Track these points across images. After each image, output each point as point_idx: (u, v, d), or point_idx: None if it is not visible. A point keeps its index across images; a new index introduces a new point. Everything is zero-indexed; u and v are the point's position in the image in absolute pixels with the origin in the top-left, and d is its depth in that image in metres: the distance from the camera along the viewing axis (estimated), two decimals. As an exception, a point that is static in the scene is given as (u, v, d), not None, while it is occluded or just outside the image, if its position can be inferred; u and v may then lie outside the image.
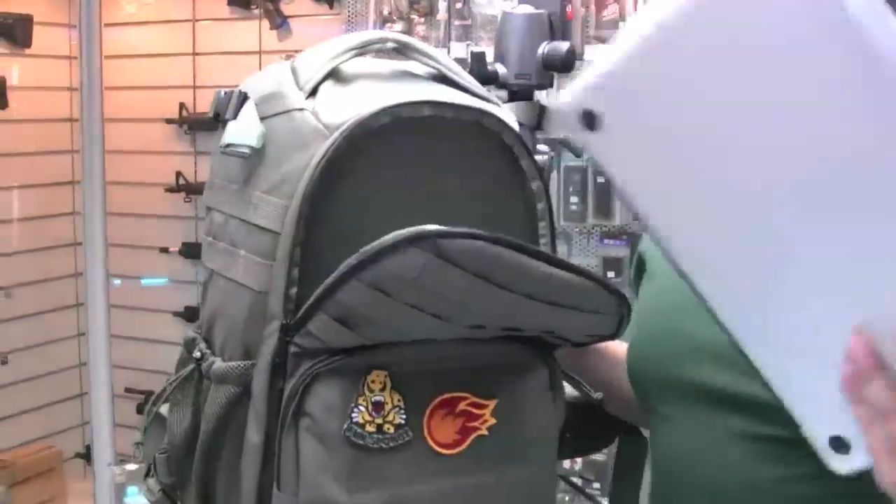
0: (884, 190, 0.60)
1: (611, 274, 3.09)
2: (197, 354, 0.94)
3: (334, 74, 0.91)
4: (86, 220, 2.79)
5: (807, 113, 0.60)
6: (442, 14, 3.30)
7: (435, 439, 0.86)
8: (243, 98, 0.92)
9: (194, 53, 4.03)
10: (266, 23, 3.84)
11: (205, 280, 0.98)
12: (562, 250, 3.09)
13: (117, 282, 3.61)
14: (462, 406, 0.86)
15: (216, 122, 0.93)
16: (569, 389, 1.00)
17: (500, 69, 1.27)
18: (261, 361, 0.86)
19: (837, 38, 0.58)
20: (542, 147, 1.24)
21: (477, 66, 1.24)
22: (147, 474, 1.00)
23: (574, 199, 3.10)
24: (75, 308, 4.09)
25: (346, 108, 0.86)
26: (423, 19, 3.34)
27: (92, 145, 2.74)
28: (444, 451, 0.86)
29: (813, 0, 0.58)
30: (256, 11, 3.86)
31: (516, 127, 0.91)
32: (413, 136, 0.87)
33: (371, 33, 0.96)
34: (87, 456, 3.83)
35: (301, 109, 0.88)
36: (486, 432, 0.87)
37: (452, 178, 0.89)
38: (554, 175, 3.04)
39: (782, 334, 0.67)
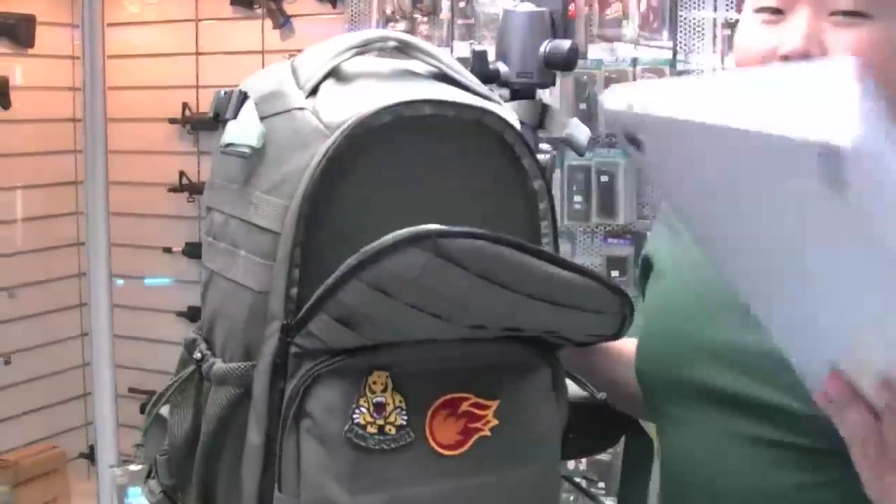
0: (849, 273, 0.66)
1: (614, 273, 3.08)
2: (197, 356, 0.93)
3: (335, 73, 0.91)
4: (89, 220, 2.79)
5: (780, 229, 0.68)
6: (445, 13, 3.29)
7: (437, 440, 0.85)
8: (243, 97, 0.91)
9: (197, 53, 4.03)
10: (269, 22, 3.84)
11: (205, 280, 0.97)
12: (565, 249, 3.08)
13: (120, 282, 3.61)
14: (464, 407, 0.86)
15: (216, 121, 0.93)
16: (573, 389, 0.99)
17: (502, 67, 1.26)
18: (261, 362, 0.85)
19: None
20: (544, 146, 1.23)
21: (478, 64, 1.23)
22: (148, 476, 1.00)
23: (578, 197, 3.09)
24: (78, 308, 4.09)
25: (346, 107, 0.86)
26: (426, 18, 3.33)
27: (95, 145, 2.74)
28: (446, 453, 0.85)
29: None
30: (259, 11, 3.86)
31: (518, 126, 0.91)
32: (414, 135, 0.86)
33: (372, 32, 0.96)
34: (90, 456, 3.84)
35: (301, 109, 0.87)
36: (488, 433, 0.87)
37: (453, 178, 0.88)
38: (557, 174, 3.03)
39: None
